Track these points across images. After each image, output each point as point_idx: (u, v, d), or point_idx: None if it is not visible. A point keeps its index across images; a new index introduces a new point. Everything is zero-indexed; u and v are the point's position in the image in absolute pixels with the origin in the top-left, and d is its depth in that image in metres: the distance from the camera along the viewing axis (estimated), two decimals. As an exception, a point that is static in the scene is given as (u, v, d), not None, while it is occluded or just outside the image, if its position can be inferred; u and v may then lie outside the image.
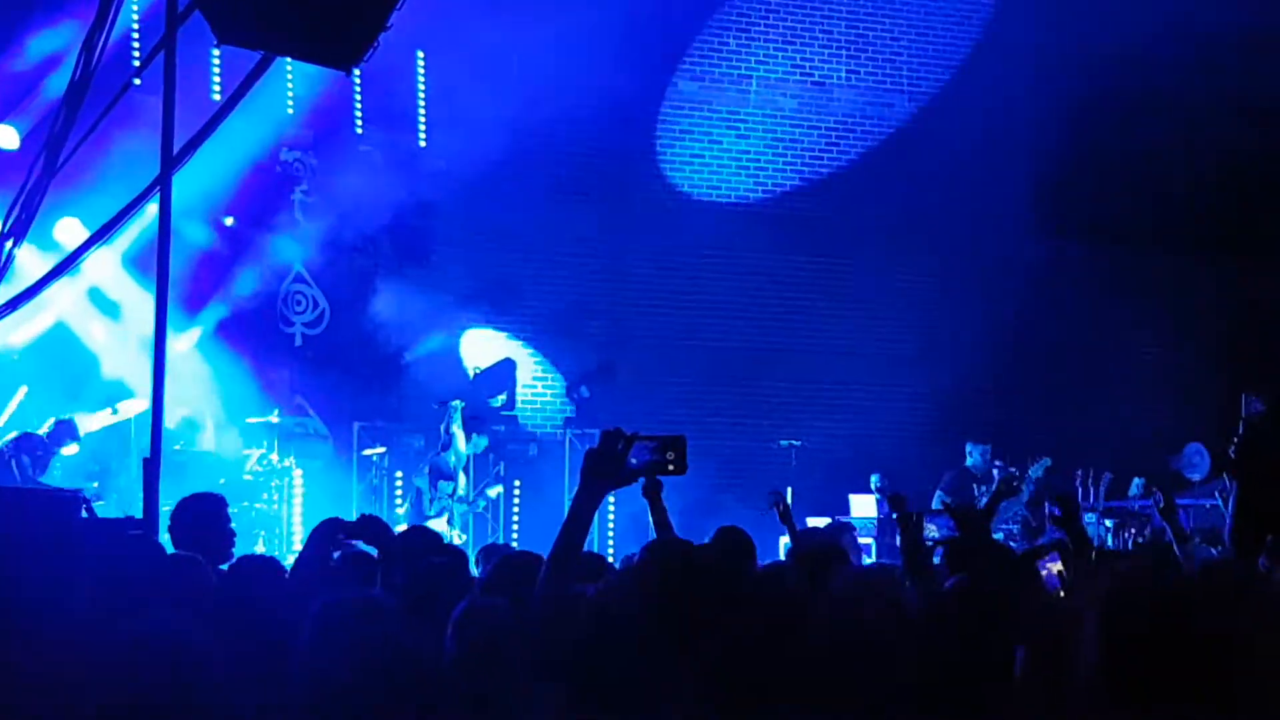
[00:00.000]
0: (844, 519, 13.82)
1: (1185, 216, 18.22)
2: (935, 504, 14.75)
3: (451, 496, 13.97)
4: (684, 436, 4.38)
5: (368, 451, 15.09)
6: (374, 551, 5.64)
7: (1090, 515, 15.23)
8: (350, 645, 3.66)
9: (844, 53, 18.12)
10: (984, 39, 18.09)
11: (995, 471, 14.82)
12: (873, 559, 13.38)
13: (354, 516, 6.01)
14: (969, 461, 15.12)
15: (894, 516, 7.78)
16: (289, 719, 3.76)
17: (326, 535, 5.53)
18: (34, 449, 12.20)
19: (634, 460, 4.24)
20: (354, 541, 5.66)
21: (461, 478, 14.27)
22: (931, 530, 7.63)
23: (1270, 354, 16.33)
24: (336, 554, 5.50)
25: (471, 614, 4.36)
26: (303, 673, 3.73)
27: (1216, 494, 15.50)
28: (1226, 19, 16.25)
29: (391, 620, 3.81)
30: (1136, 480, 15.40)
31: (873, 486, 15.73)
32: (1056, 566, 6.52)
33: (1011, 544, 12.29)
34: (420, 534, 6.99)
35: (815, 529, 10.62)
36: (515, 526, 15.45)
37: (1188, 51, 16.53)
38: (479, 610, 4.39)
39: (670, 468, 4.32)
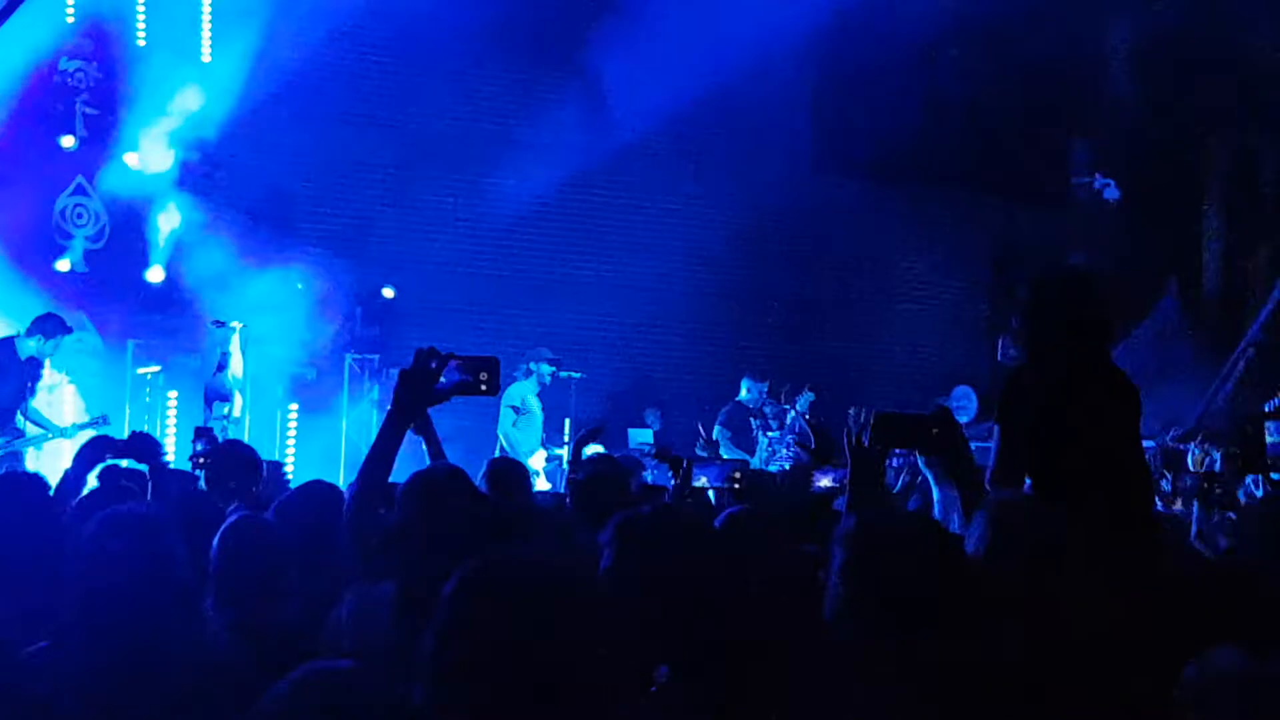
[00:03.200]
0: (629, 453, 14.03)
1: (953, 155, 18.74)
2: (717, 435, 15.14)
3: (227, 418, 13.83)
4: (497, 358, 4.42)
5: (142, 370, 14.84)
6: (144, 468, 5.68)
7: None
8: (125, 558, 3.70)
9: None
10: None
11: (767, 408, 15.26)
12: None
13: (125, 434, 6.03)
14: (743, 395, 15.46)
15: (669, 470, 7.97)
16: (58, 632, 3.79)
17: (94, 453, 5.55)
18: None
19: (445, 380, 4.27)
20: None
21: (238, 398, 14.15)
22: (702, 480, 7.89)
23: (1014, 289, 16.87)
24: (98, 469, 5.52)
25: (236, 527, 4.44)
26: (75, 587, 3.76)
27: (989, 437, 16.07)
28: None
29: (166, 534, 3.85)
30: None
31: (647, 422, 16.03)
32: (825, 480, 6.82)
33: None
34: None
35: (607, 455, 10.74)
36: (290, 448, 15.36)
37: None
38: (243, 523, 4.48)
39: (483, 388, 4.33)
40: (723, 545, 4.81)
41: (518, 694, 2.60)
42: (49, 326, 11.83)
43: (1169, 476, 14.04)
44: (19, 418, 11.74)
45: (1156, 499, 10.34)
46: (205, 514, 5.08)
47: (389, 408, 4.28)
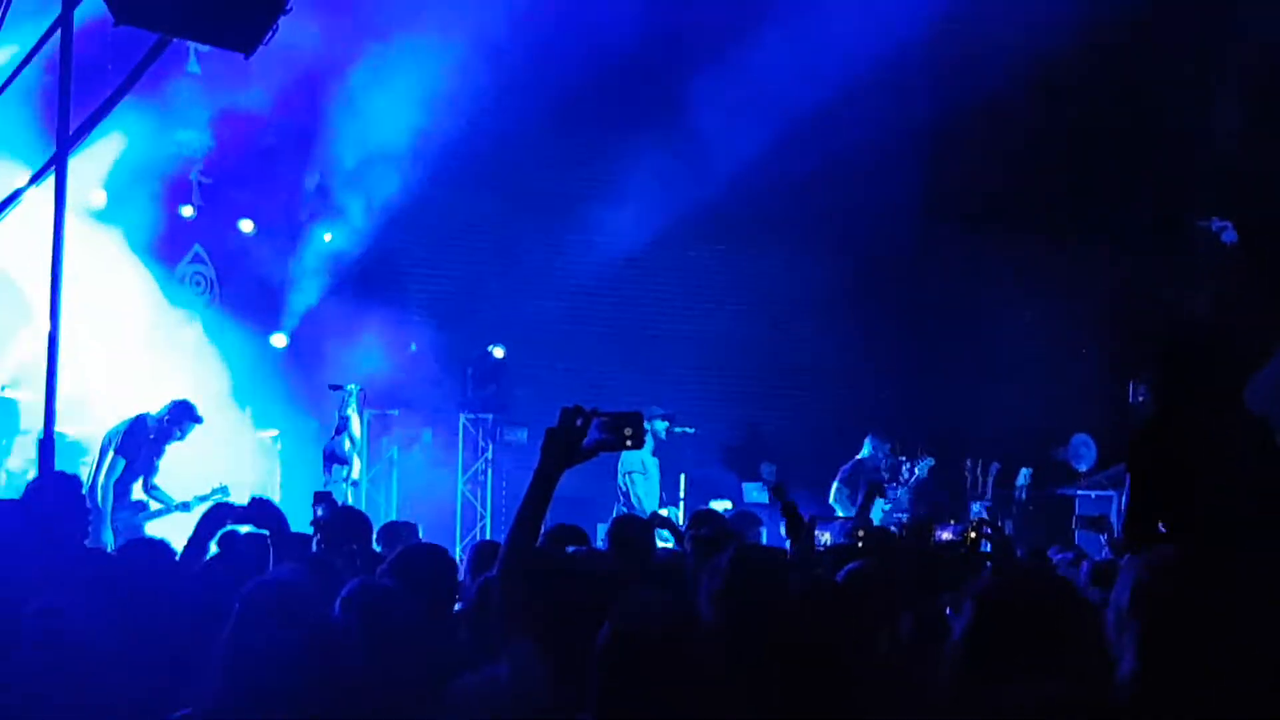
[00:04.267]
0: (746, 508, 13.91)
1: (1063, 200, 18.46)
2: (833, 494, 14.91)
3: (346, 480, 13.92)
4: (640, 413, 4.37)
5: (261, 434, 14.99)
6: (264, 532, 5.70)
7: (977, 505, 15.48)
8: (279, 623, 3.71)
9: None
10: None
11: (885, 466, 15.03)
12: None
13: (246, 499, 6.07)
14: (864, 453, 15.25)
15: (779, 504, 7.88)
16: (203, 698, 3.79)
17: (216, 520, 5.60)
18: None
19: (590, 438, 4.25)
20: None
21: (356, 461, 14.23)
22: (824, 536, 7.77)
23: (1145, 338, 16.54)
24: (218, 537, 5.57)
25: (360, 592, 4.43)
26: (226, 653, 3.76)
27: (1109, 485, 15.79)
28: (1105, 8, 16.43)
29: (318, 600, 3.86)
30: (1024, 470, 15.62)
31: (763, 476, 15.89)
32: (946, 534, 6.75)
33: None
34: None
35: (714, 512, 10.66)
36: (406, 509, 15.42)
37: (1063, 39, 16.67)
38: (367, 589, 4.47)
39: (628, 444, 4.30)
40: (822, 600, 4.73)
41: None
42: (180, 414, 12.08)
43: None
44: (139, 490, 11.97)
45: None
46: (330, 579, 5.08)
47: (536, 468, 4.23)
